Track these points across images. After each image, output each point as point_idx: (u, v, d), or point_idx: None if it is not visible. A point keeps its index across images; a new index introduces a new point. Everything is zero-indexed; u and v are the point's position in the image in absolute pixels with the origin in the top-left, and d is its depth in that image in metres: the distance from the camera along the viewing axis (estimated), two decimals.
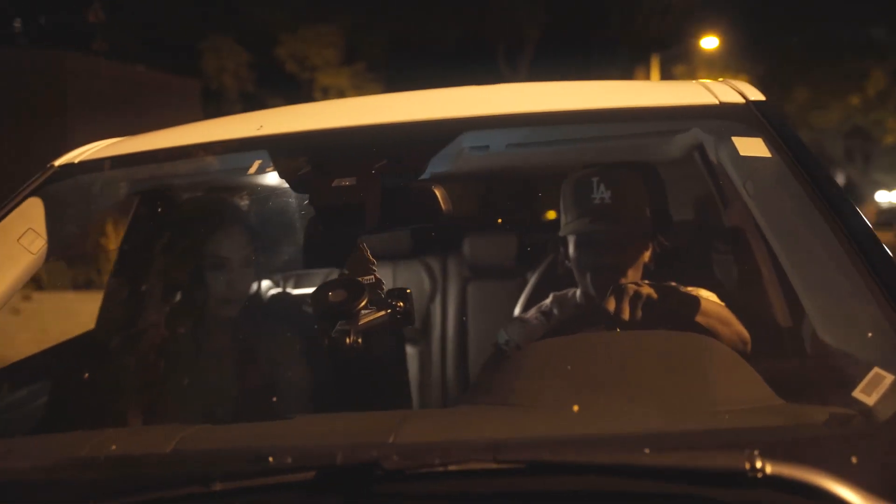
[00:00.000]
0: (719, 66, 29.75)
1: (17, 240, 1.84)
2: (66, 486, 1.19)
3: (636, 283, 1.81)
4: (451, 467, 1.09)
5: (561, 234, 2.17)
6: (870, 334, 1.35)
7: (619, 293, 1.79)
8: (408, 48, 16.91)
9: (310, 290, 3.31)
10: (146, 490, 1.12)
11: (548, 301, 2.28)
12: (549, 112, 1.82)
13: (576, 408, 1.23)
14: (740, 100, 1.82)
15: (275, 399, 1.73)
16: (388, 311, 1.50)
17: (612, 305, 1.78)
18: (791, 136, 1.71)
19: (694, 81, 1.96)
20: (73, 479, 1.21)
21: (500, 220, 3.69)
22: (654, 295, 1.78)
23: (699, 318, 1.85)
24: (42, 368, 2.28)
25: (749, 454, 1.05)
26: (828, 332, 1.45)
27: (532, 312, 2.27)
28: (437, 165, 1.86)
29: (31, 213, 1.89)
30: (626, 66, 20.01)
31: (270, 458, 1.15)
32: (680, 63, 29.05)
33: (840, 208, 1.52)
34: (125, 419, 1.83)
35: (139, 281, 2.49)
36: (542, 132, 1.96)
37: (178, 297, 2.20)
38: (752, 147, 1.70)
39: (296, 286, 3.36)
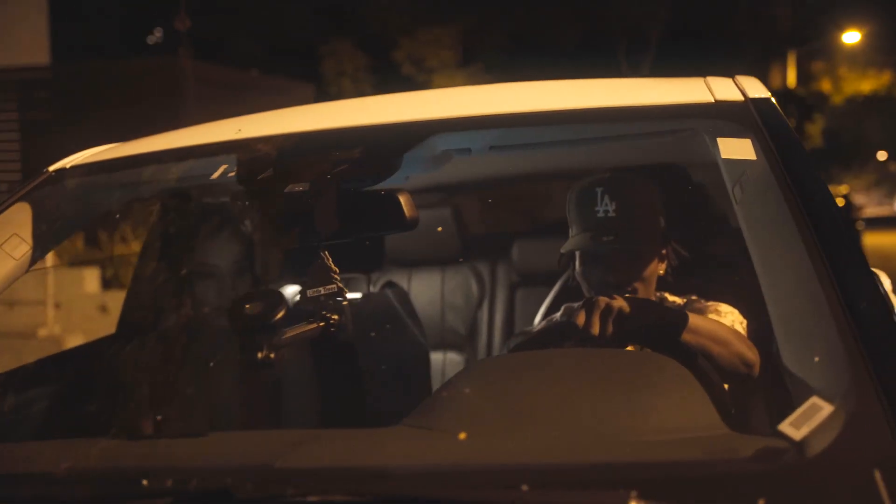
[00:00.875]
0: (861, 62, 28.37)
1: (0, 245, 1.85)
2: None
3: (610, 297, 1.68)
4: (310, 498, 1.02)
5: (562, 250, 2.05)
6: (816, 359, 1.20)
7: (590, 307, 1.67)
8: (526, 48, 16.78)
9: None
10: None
11: (558, 314, 2.17)
12: (526, 113, 1.72)
13: (462, 435, 1.13)
14: (739, 97, 1.68)
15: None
16: (321, 324, 1.43)
17: (580, 320, 1.66)
18: (786, 137, 1.56)
19: (699, 78, 1.82)
20: None
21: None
22: (627, 309, 1.65)
23: (686, 337, 1.70)
24: (53, 372, 2.31)
25: (623, 496, 0.94)
26: (787, 355, 1.30)
27: (541, 325, 2.16)
28: (413, 169, 1.79)
29: (18, 218, 1.90)
30: (754, 63, 19.27)
31: (145, 482, 1.11)
32: (819, 59, 27.86)
33: (822, 221, 1.36)
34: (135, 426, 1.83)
35: (165, 284, 2.51)
36: (525, 133, 1.85)
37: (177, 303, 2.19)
38: (738, 148, 1.55)
39: None
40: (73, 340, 8.18)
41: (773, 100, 1.70)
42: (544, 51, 16.56)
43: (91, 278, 9.17)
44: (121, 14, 21.47)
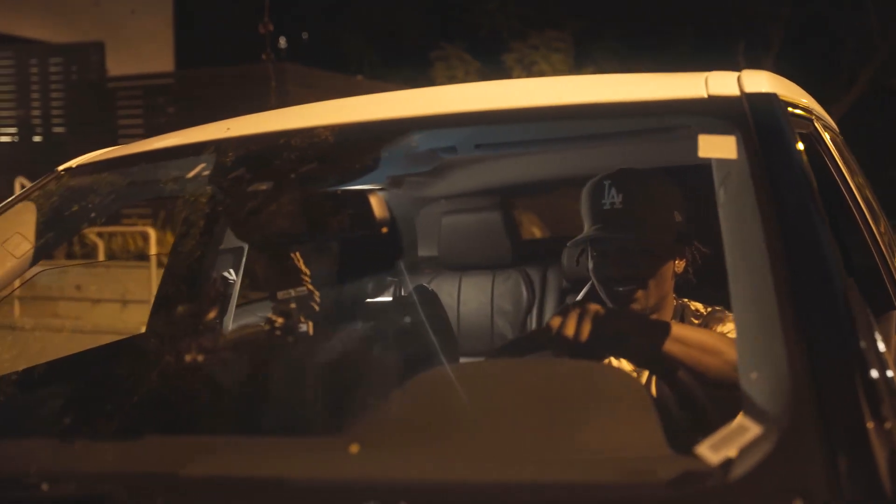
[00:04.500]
0: None
1: (2, 244, 1.89)
2: None
3: (581, 303, 1.60)
4: None
5: (569, 244, 2.01)
6: (753, 375, 1.09)
7: (564, 314, 1.59)
8: (640, 50, 16.40)
9: None
10: None
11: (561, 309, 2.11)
12: (512, 109, 1.64)
13: (354, 448, 1.07)
14: (735, 92, 1.56)
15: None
16: (265, 326, 1.39)
17: (553, 326, 1.59)
18: (777, 134, 1.44)
19: (701, 73, 1.70)
20: None
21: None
22: (601, 317, 1.56)
23: (671, 347, 1.59)
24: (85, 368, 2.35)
25: None
26: (741, 370, 1.19)
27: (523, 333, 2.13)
28: (391, 168, 1.73)
29: (22, 217, 1.94)
30: (883, 63, 18.27)
31: (45, 486, 1.09)
32: None
33: (793, 229, 1.25)
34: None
35: (196, 284, 2.53)
36: (521, 130, 1.78)
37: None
38: (718, 147, 1.44)
39: None
40: None
41: (777, 95, 1.57)
42: (659, 53, 16.15)
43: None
44: (246, 23, 22.17)
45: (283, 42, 26.67)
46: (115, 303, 9.52)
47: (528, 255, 3.36)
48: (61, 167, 2.05)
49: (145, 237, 10.20)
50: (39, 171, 2.94)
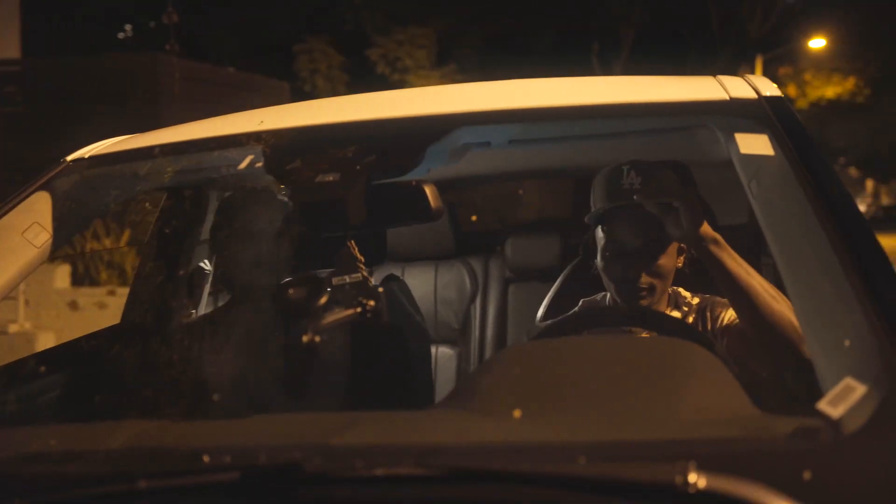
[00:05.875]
0: (827, 68, 28.77)
1: (22, 233, 1.87)
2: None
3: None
4: (377, 472, 1.06)
5: (588, 219, 2.09)
6: (847, 342, 1.25)
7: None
8: (500, 49, 16.84)
9: None
10: (70, 487, 1.12)
11: (576, 308, 2.22)
12: (554, 107, 1.76)
13: (517, 413, 1.17)
14: (752, 95, 1.73)
15: (239, 396, 1.71)
16: (357, 309, 1.46)
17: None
18: (800, 134, 1.62)
19: (710, 77, 1.87)
20: (12, 475, 1.22)
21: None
22: None
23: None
24: (66, 360, 2.32)
25: (682, 467, 0.98)
26: (813, 339, 1.36)
27: (573, 312, 2.21)
28: (435, 162, 1.83)
29: (38, 207, 1.92)
30: (725, 67, 19.48)
31: (206, 458, 1.13)
32: (786, 64, 28.21)
33: (841, 213, 1.42)
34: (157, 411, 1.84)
35: (171, 275, 2.53)
36: (549, 128, 1.90)
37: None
38: (756, 144, 1.61)
39: None
40: (44, 337, 8.13)
41: (784, 98, 1.76)
42: (518, 52, 16.64)
43: (62, 275, 9.11)
44: (90, 9, 21.24)
45: (129, 30, 25.72)
46: None
47: (471, 246, 3.48)
48: (70, 157, 2.03)
49: None
50: None
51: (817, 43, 25.95)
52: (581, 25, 17.71)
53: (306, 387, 1.47)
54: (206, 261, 2.64)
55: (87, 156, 2.02)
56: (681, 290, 2.15)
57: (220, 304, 2.56)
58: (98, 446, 1.28)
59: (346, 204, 1.61)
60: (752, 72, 24.87)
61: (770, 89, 1.76)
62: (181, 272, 2.56)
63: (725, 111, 1.72)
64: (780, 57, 26.63)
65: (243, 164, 1.78)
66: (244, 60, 17.09)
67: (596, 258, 2.09)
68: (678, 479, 0.97)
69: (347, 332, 1.72)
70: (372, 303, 1.47)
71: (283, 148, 1.78)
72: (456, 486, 1.05)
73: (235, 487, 1.09)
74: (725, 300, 2.05)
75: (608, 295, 2.14)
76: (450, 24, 16.64)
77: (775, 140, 1.60)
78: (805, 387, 1.53)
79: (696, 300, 2.13)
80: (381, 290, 1.55)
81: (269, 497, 1.09)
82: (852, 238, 1.37)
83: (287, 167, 1.68)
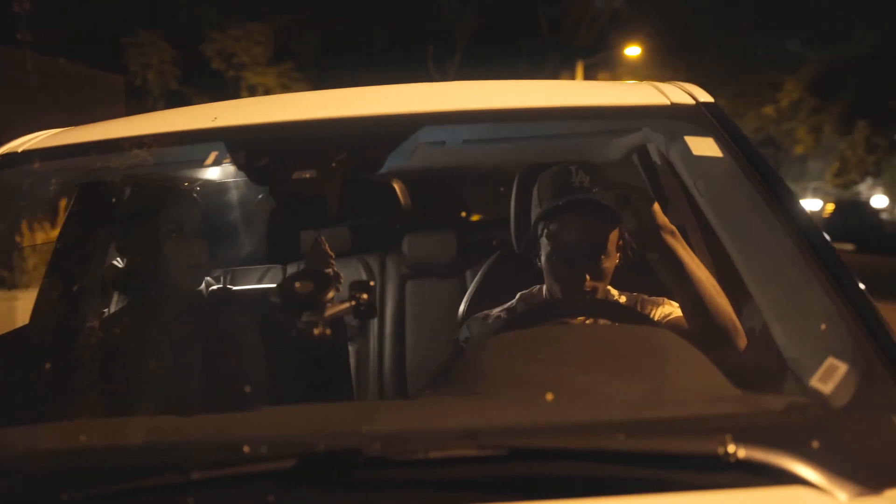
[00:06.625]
0: (641, 74, 30.35)
1: None
2: (33, 479, 1.16)
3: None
4: (433, 454, 1.10)
5: (536, 218, 2.12)
6: (823, 326, 1.40)
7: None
8: (338, 48, 16.81)
9: (249, 287, 3.29)
10: (121, 481, 1.10)
11: (514, 301, 2.27)
12: (508, 109, 1.84)
13: (550, 396, 1.25)
14: (690, 101, 1.87)
15: (232, 390, 1.70)
16: (352, 303, 1.49)
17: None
18: (740, 136, 1.76)
19: (645, 83, 2.00)
20: (39, 471, 1.18)
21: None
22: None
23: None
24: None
25: (722, 439, 1.08)
26: (780, 324, 1.49)
27: (496, 311, 2.25)
28: (395, 160, 1.87)
29: None
30: (553, 72, 20.25)
31: (246, 448, 1.14)
32: (603, 70, 29.58)
33: (788, 205, 1.57)
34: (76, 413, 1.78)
35: (81, 274, 2.44)
36: (500, 129, 1.98)
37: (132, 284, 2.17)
38: (703, 147, 1.75)
39: (234, 283, 3.33)
40: None
41: (717, 104, 1.90)
42: (356, 51, 16.66)
43: None
44: None
45: None
46: None
47: (366, 242, 3.48)
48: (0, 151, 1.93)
49: None
50: None
51: (633, 51, 27.33)
52: (416, 26, 17.92)
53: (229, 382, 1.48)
54: (117, 259, 2.56)
55: (19, 150, 1.93)
56: (610, 288, 2.24)
57: (129, 302, 2.49)
58: (117, 441, 1.26)
59: (325, 200, 1.64)
60: (573, 77, 26.02)
61: (704, 96, 1.90)
62: (91, 271, 2.47)
63: (668, 115, 1.84)
64: (598, 63, 27.89)
65: (208, 161, 1.76)
66: (69, 52, 16.25)
67: (539, 257, 2.14)
68: (720, 450, 1.07)
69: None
70: (365, 296, 1.50)
71: (245, 144, 1.78)
72: (510, 465, 1.12)
73: (290, 475, 1.11)
74: (654, 298, 2.15)
75: (544, 288, 2.21)
76: (287, 21, 16.44)
77: (720, 142, 1.73)
78: (747, 373, 1.66)
79: (623, 298, 2.22)
80: None
81: (326, 483, 1.11)
82: (803, 228, 1.52)
83: (261, 163, 1.68)
